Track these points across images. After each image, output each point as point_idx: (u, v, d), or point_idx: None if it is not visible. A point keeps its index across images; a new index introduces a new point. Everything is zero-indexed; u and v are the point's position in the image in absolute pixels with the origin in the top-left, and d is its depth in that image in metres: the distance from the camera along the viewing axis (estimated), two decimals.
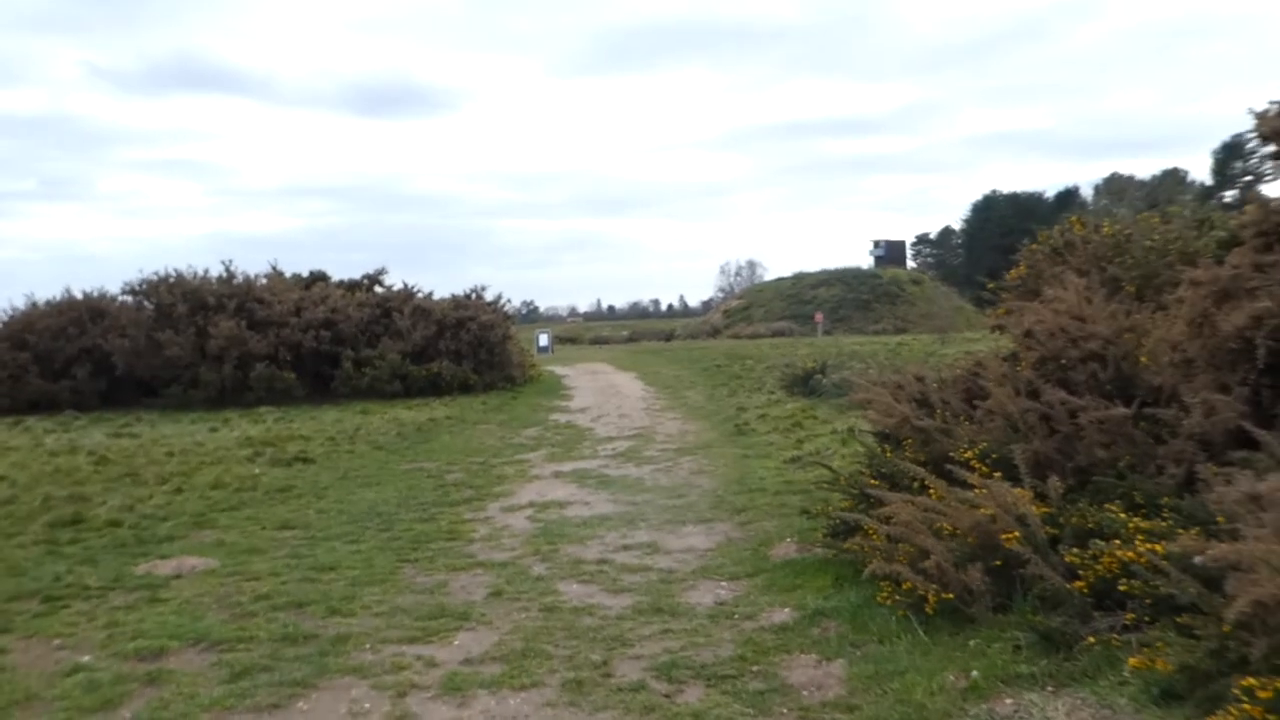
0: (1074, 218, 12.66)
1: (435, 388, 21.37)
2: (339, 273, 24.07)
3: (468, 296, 23.46)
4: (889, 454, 6.93)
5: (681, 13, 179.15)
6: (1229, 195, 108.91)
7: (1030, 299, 11.89)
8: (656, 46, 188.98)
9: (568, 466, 11.89)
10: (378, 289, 24.62)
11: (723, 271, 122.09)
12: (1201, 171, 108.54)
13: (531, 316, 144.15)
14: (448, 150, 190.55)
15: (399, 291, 23.71)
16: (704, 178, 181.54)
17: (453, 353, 21.85)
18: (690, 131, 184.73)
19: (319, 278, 24.00)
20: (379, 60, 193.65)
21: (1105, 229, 11.18)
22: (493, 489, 10.56)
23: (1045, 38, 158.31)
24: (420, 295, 23.34)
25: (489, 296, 23.75)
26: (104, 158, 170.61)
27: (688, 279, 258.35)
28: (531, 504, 9.58)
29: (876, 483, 6.37)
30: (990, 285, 12.76)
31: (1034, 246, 12.05)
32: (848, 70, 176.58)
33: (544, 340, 51.84)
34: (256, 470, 12.22)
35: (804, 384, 17.33)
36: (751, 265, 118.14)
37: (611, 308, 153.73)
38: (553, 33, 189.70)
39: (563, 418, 17.45)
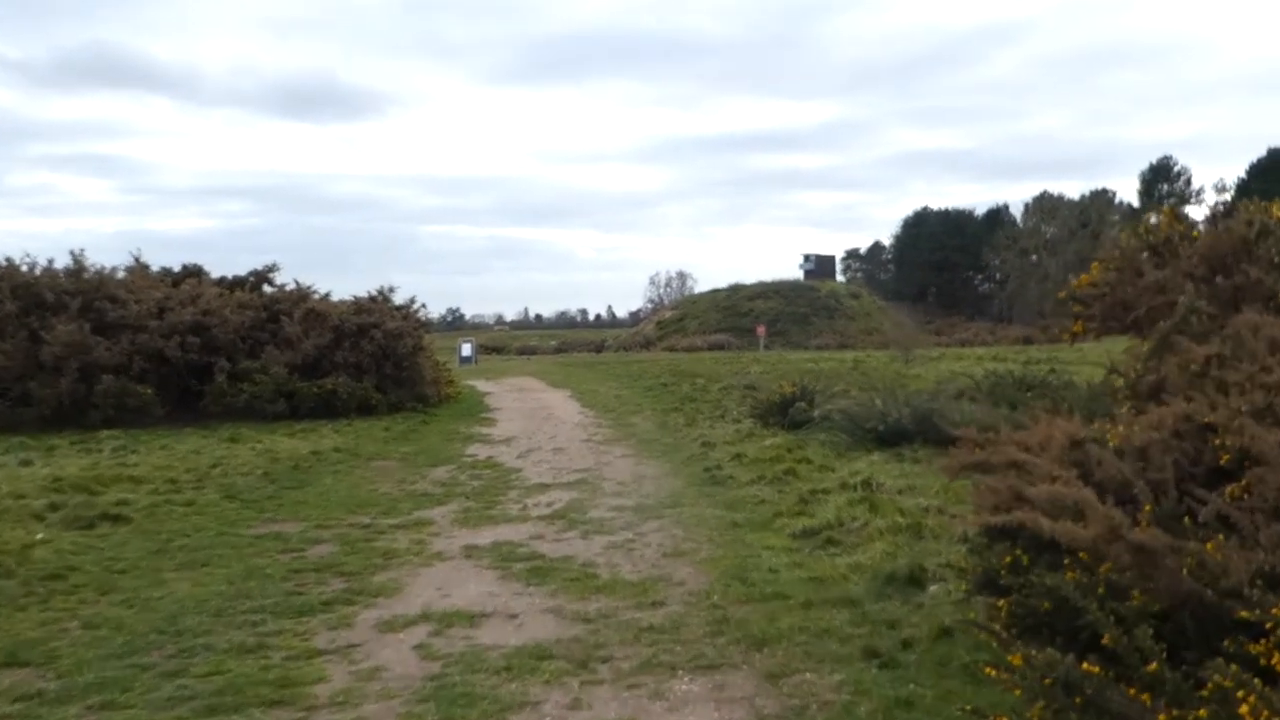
0: (1167, 208, 9.76)
1: (329, 408, 17.67)
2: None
3: (372, 299, 19.77)
4: (1096, 608, 3.64)
5: (611, 26, 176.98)
6: (1155, 217, 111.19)
7: (1120, 311, 8.98)
8: (586, 58, 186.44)
9: (485, 536, 8.45)
10: (267, 288, 20.79)
11: (652, 282, 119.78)
12: (1127, 192, 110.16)
13: (457, 324, 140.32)
14: (372, 154, 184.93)
15: (290, 292, 19.92)
16: (632, 189, 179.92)
17: (351, 366, 18.16)
18: (618, 143, 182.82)
19: (192, 273, 20.04)
20: (302, 62, 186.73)
21: (1241, 218, 8.03)
22: (372, 579, 7.09)
23: (966, 62, 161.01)
24: (317, 297, 19.59)
25: (399, 299, 20.13)
26: (12, 152, 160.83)
27: (616, 289, 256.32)
28: (426, 615, 6.15)
29: (1132, 692, 3.11)
30: (1061, 295, 9.94)
31: (1122, 243, 9.12)
32: (774, 87, 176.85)
33: (467, 350, 48.04)
34: (39, 535, 8.56)
35: (781, 413, 14.16)
36: (682, 276, 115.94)
37: (539, 316, 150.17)
38: (482, 41, 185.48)
39: (483, 451, 13.96)
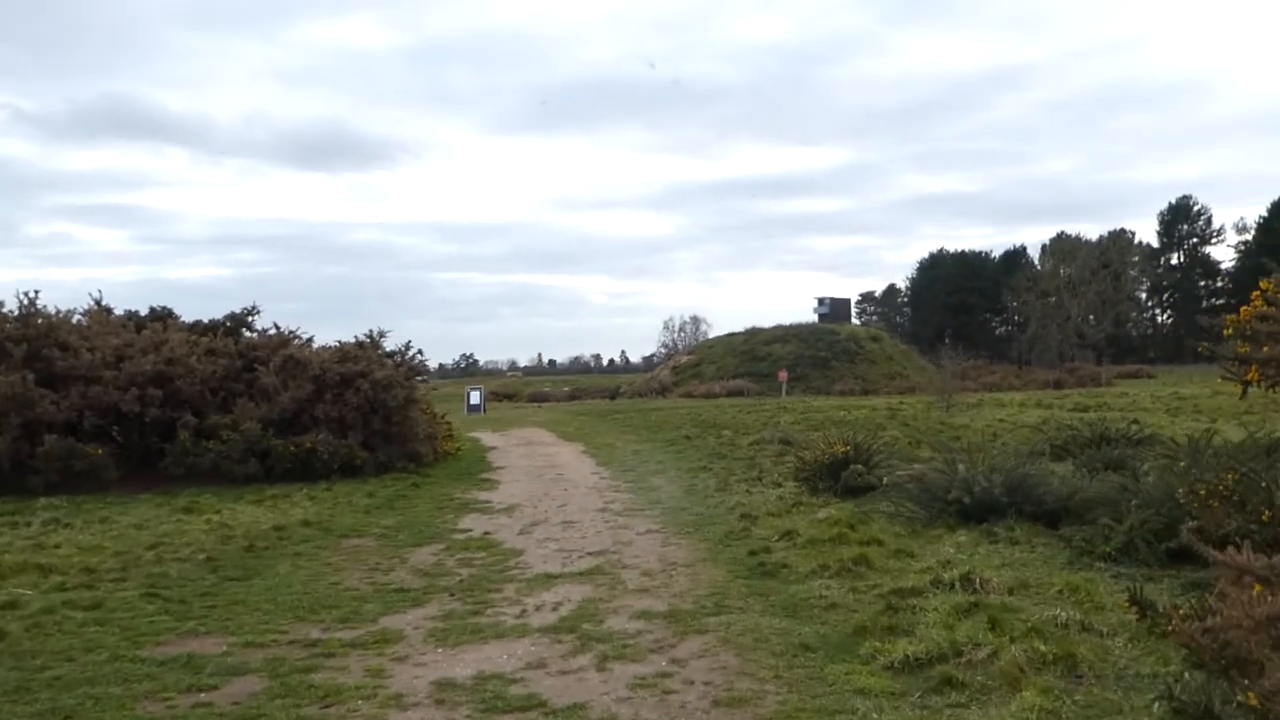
0: None
1: (306, 469, 15.50)
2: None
3: (359, 344, 17.66)
4: None
5: (616, 73, 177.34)
6: (1175, 257, 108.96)
7: None
8: (594, 105, 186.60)
9: (467, 664, 6.22)
10: (247, 334, 18.75)
11: (666, 327, 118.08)
12: (1144, 233, 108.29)
13: (471, 370, 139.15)
14: (384, 203, 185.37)
15: (269, 338, 17.86)
16: (643, 234, 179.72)
17: (334, 421, 16.01)
18: (629, 189, 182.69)
19: (160, 317, 18.02)
20: (314, 111, 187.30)
21: None
22: None
23: (973, 107, 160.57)
24: (298, 342, 17.51)
25: (389, 345, 18.02)
26: (30, 203, 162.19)
27: (629, 334, 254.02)
28: None
29: None
30: (1226, 331, 7.97)
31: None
32: (782, 132, 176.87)
33: (475, 398, 45.97)
34: None
35: (832, 477, 11.92)
36: (695, 321, 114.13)
37: (552, 362, 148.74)
38: (491, 90, 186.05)
39: (480, 525, 11.74)
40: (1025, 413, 25.95)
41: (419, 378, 18.44)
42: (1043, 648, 5.66)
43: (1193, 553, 7.88)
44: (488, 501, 13.58)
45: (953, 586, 7.29)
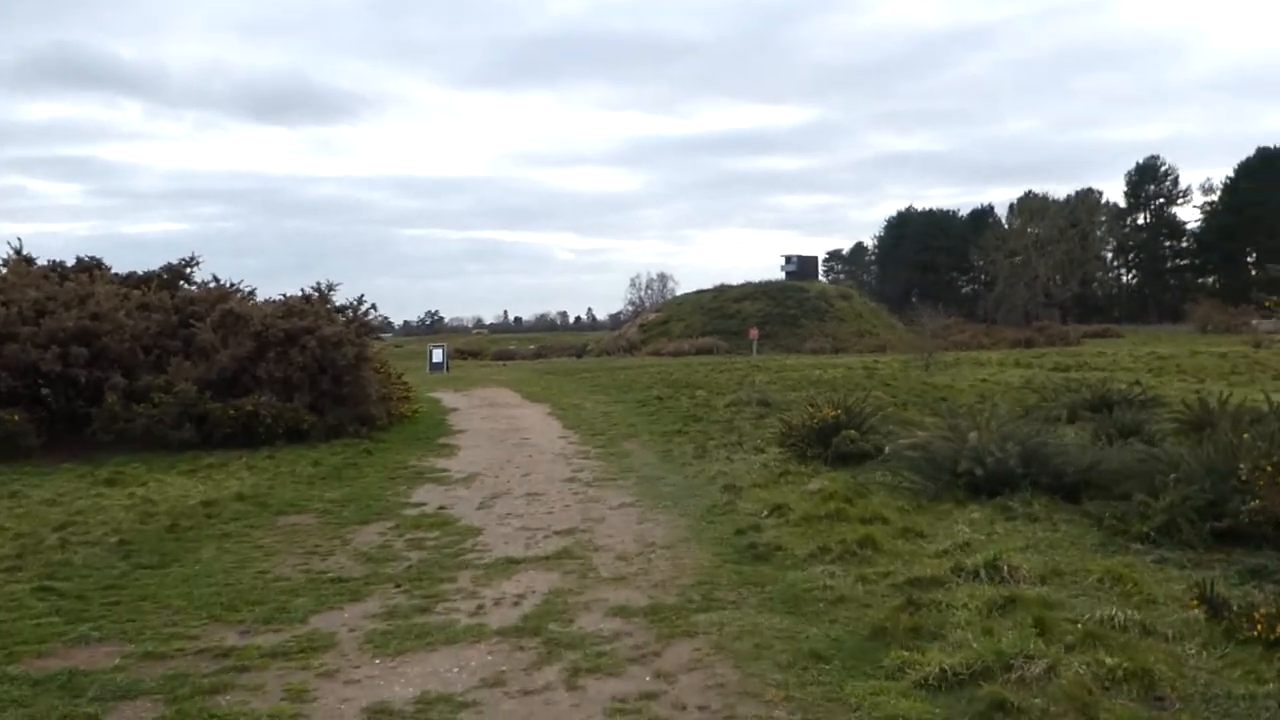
0: None
1: (249, 435, 14.24)
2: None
3: (306, 298, 16.30)
4: None
5: (583, 27, 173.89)
6: (1142, 217, 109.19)
7: None
8: (559, 59, 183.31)
9: (409, 680, 5.13)
10: (186, 286, 17.32)
11: (633, 284, 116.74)
12: (1110, 193, 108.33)
13: (436, 327, 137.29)
14: (346, 157, 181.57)
15: (209, 290, 16.45)
16: (609, 191, 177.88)
17: (278, 382, 14.73)
18: (594, 145, 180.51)
19: (87, 267, 16.54)
20: (273, 63, 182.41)
21: None
22: None
23: (940, 65, 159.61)
24: (240, 296, 16.13)
25: (339, 299, 16.69)
26: None
27: (596, 292, 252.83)
28: None
29: None
30: None
31: None
32: (749, 90, 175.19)
33: (438, 356, 44.62)
34: None
35: (821, 443, 10.92)
36: (663, 278, 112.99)
37: (519, 319, 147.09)
38: (453, 43, 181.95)
39: (435, 497, 10.61)
40: (1006, 372, 25.19)
41: (373, 335, 17.13)
42: (1108, 660, 4.67)
43: (1243, 534, 6.98)
44: (445, 470, 12.44)
45: (978, 575, 6.31)
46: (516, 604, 6.48)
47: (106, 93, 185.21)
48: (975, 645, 4.99)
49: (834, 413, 11.00)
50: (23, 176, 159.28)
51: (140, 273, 17.32)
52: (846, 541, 7.35)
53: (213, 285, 16.79)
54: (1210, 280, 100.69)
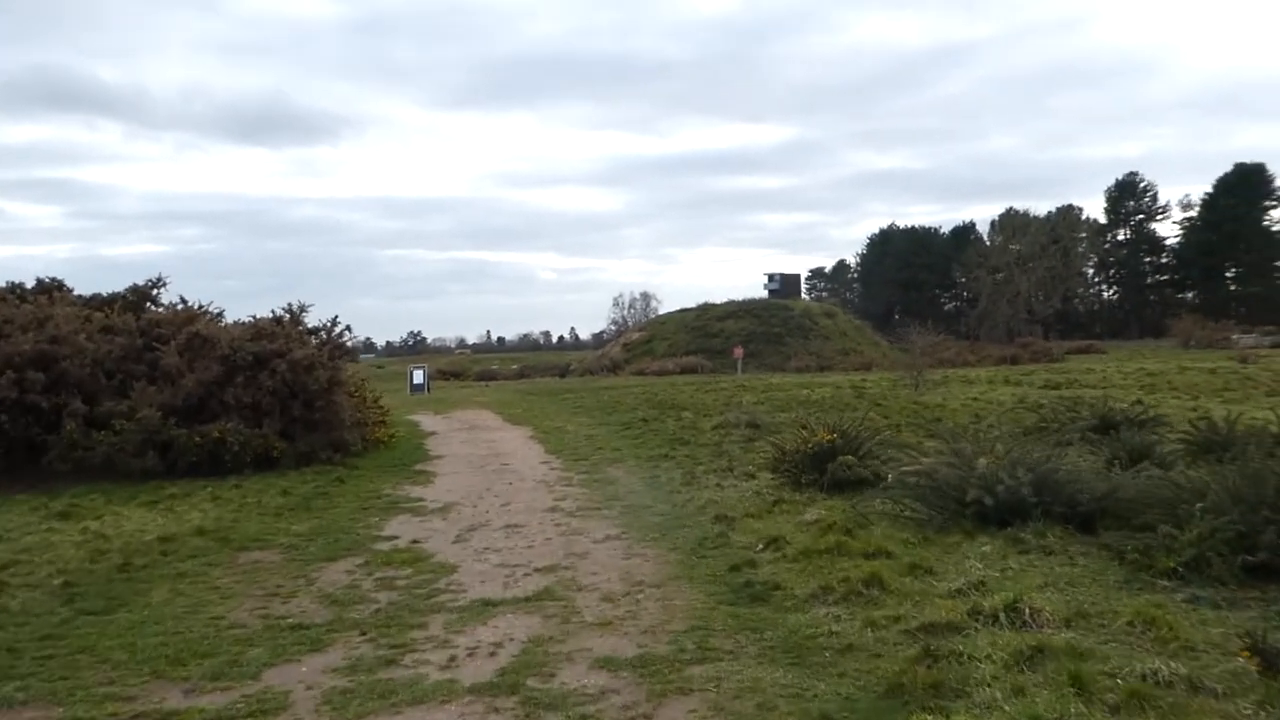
0: None
1: (215, 463, 13.58)
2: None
3: (276, 320, 15.67)
4: None
5: (563, 47, 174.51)
6: (1122, 233, 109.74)
7: None
8: (539, 80, 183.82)
9: None
10: (153, 308, 16.65)
11: (616, 304, 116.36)
12: (1092, 210, 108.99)
13: (419, 348, 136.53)
14: (327, 178, 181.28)
15: (176, 312, 15.79)
16: (591, 210, 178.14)
17: (247, 407, 14.08)
18: (575, 165, 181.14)
19: (47, 289, 15.86)
20: (254, 84, 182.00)
21: None
22: None
23: (918, 84, 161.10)
24: (207, 318, 15.48)
25: (312, 321, 16.06)
26: None
27: (579, 311, 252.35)
28: None
29: None
30: None
31: None
32: (729, 109, 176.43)
33: (419, 377, 43.90)
34: None
35: (815, 469, 10.39)
36: (646, 297, 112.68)
37: (501, 339, 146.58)
38: (434, 64, 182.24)
39: (408, 530, 9.99)
40: (996, 390, 24.78)
41: (347, 357, 16.51)
42: None
43: (1278, 569, 6.49)
44: (420, 499, 11.82)
45: (998, 619, 5.77)
46: (492, 654, 5.89)
47: (86, 115, 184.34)
48: (1007, 708, 4.45)
49: (829, 437, 10.48)
50: (1, 199, 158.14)
51: (105, 294, 16.64)
52: (850, 579, 6.80)
53: (180, 307, 16.12)
54: (1190, 295, 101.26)
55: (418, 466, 14.74)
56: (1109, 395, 21.54)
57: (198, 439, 13.51)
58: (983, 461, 8.06)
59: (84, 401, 13.85)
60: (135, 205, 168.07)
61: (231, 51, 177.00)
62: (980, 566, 7.11)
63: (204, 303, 15.83)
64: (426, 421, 23.01)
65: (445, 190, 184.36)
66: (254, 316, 15.69)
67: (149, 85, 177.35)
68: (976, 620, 5.82)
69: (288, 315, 15.79)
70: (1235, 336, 69.41)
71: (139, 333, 15.13)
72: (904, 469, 8.63)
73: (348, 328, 16.41)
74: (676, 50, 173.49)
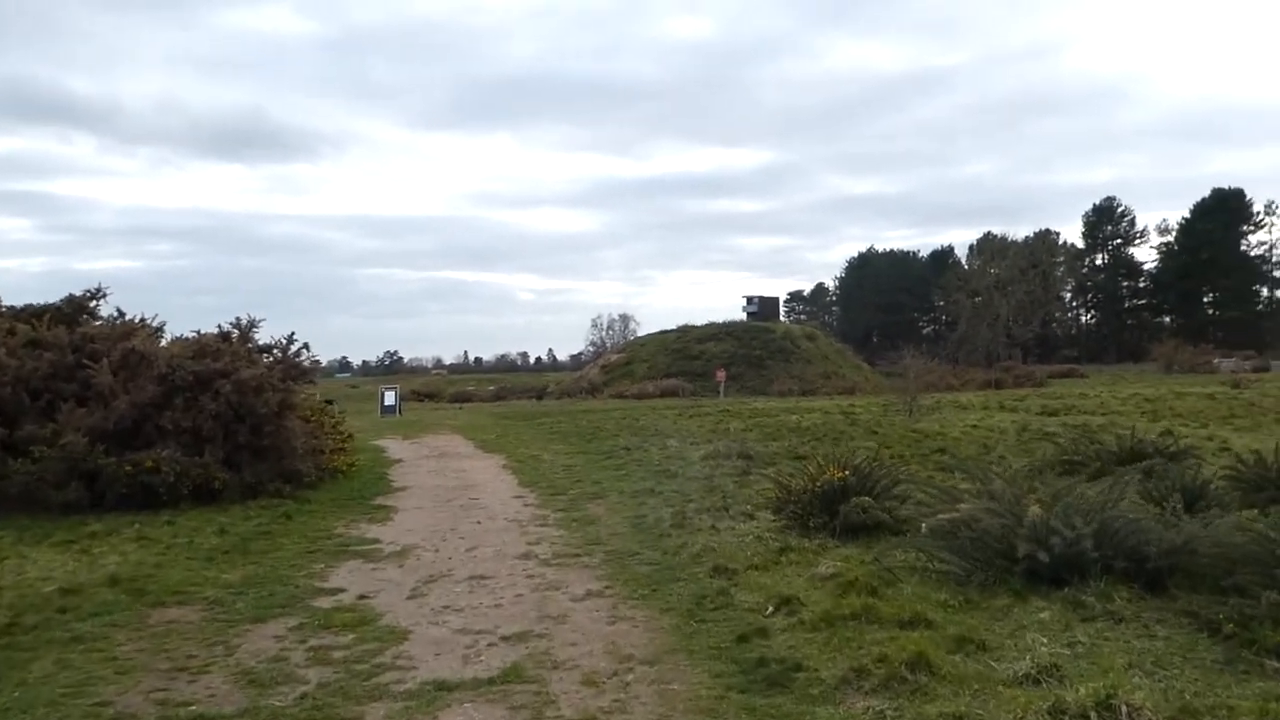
0: None
1: (148, 495, 12.14)
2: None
3: (223, 336, 14.26)
4: None
5: (541, 69, 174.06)
6: (1100, 258, 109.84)
7: None
8: (518, 101, 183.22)
9: None
10: (92, 322, 15.19)
11: (594, 325, 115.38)
12: (1069, 235, 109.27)
13: (394, 368, 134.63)
14: (305, 196, 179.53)
15: (116, 325, 14.34)
16: (569, 231, 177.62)
17: (186, 432, 12.65)
18: (554, 186, 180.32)
19: None
20: (231, 100, 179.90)
21: None
22: None
23: (894, 109, 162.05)
24: (147, 332, 14.04)
25: (263, 338, 14.66)
26: None
27: (556, 332, 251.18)
28: None
29: None
30: None
31: None
32: (706, 133, 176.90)
33: (390, 399, 42.39)
34: None
35: (825, 511, 9.14)
36: (624, 319, 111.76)
37: (479, 360, 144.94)
38: (413, 84, 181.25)
39: (356, 581, 8.60)
40: (994, 417, 23.67)
41: (304, 378, 15.10)
42: None
43: None
44: (375, 541, 10.43)
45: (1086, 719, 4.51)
46: None
47: (59, 127, 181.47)
48: None
49: (840, 474, 9.22)
50: None
51: (38, 304, 15.16)
52: (889, 660, 5.52)
53: (118, 320, 14.67)
54: (1168, 320, 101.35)
55: (377, 500, 13.34)
56: (1114, 423, 20.48)
57: (128, 468, 12.07)
58: (1034, 509, 6.82)
59: (3, 424, 12.39)
60: (110, 220, 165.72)
61: (208, 66, 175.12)
62: (1044, 641, 5.84)
63: (144, 316, 14.39)
64: (393, 448, 21.60)
65: (424, 210, 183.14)
66: (198, 332, 14.27)
67: (123, 99, 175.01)
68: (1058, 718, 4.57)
69: (236, 331, 14.38)
70: (1217, 361, 69.15)
71: (71, 348, 13.68)
72: (940, 518, 7.38)
73: (305, 345, 15.04)
74: (654, 73, 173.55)
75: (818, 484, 9.24)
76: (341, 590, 8.22)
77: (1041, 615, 6.30)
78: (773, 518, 10.07)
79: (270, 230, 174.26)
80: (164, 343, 14.16)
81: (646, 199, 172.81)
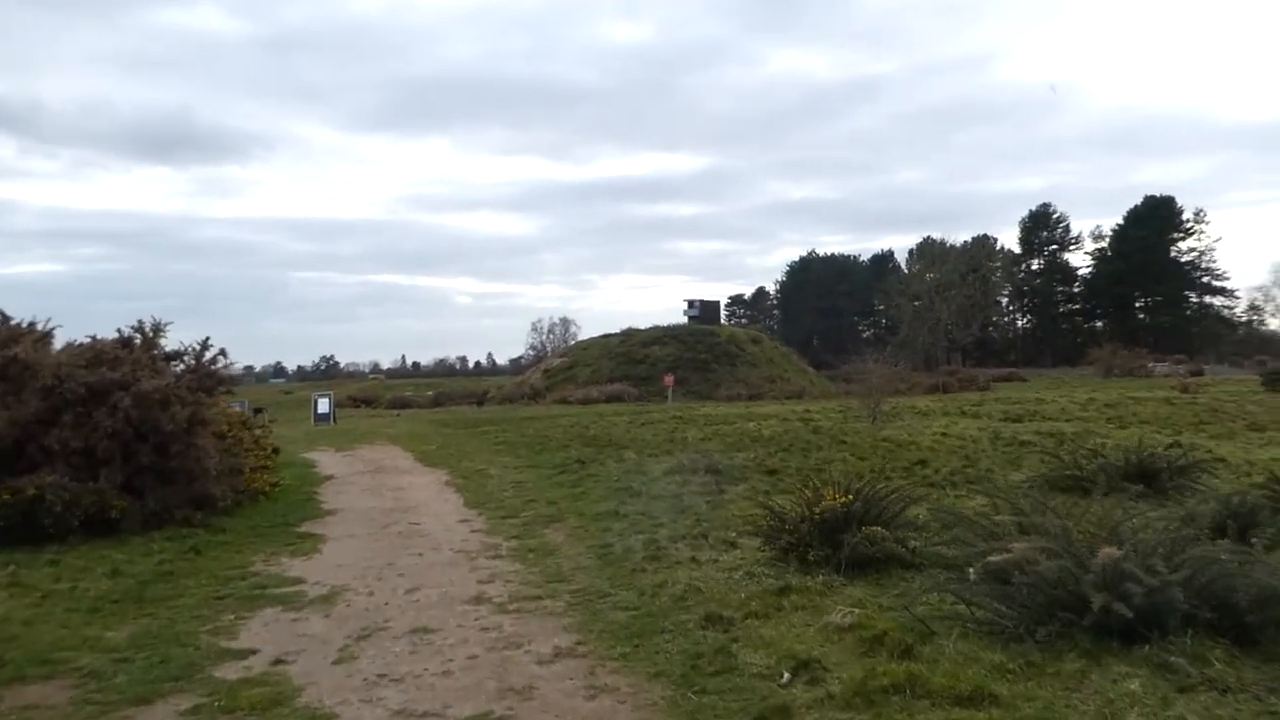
0: None
1: (32, 527, 10.38)
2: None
3: (122, 342, 12.52)
4: None
5: (476, 71, 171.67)
6: (1036, 263, 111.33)
7: None
8: (453, 103, 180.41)
9: None
10: None
11: (535, 329, 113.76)
12: (1008, 240, 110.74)
13: (330, 373, 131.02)
14: (236, 199, 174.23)
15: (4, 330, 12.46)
16: (506, 235, 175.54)
17: (77, 453, 10.92)
18: (491, 190, 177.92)
19: None
20: (157, 101, 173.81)
21: None
22: None
23: (831, 116, 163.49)
24: (33, 337, 12.23)
25: (170, 344, 12.92)
26: None
27: (496, 336, 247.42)
28: None
29: None
30: None
31: None
32: (645, 137, 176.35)
33: (324, 406, 40.36)
34: None
35: (826, 542, 7.88)
36: (565, 323, 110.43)
37: (417, 364, 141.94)
38: (345, 84, 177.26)
39: (271, 640, 7.07)
40: (960, 424, 22.77)
41: (220, 388, 13.40)
42: None
43: None
44: (298, 581, 8.89)
45: None
46: None
47: None
48: None
49: (844, 499, 7.96)
50: None
51: None
52: None
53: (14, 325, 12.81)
54: (1101, 325, 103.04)
55: (303, 527, 11.75)
56: (1088, 430, 19.70)
57: (7, 496, 10.31)
58: (1106, 549, 5.61)
59: None
60: (29, 222, 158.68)
61: (135, 65, 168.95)
62: None
63: (33, 320, 12.57)
64: (325, 461, 19.89)
65: (359, 213, 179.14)
66: (93, 337, 12.49)
67: (45, 99, 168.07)
68: None
69: (139, 336, 12.64)
70: (1151, 365, 70.13)
71: None
72: (991, 559, 6.14)
73: (222, 351, 13.32)
74: (593, 77, 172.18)
75: (818, 511, 7.96)
76: (252, 652, 6.70)
77: (1130, 686, 5.09)
78: (760, 547, 8.78)
79: (200, 233, 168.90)
80: (55, 350, 12.36)
81: (586, 203, 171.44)
